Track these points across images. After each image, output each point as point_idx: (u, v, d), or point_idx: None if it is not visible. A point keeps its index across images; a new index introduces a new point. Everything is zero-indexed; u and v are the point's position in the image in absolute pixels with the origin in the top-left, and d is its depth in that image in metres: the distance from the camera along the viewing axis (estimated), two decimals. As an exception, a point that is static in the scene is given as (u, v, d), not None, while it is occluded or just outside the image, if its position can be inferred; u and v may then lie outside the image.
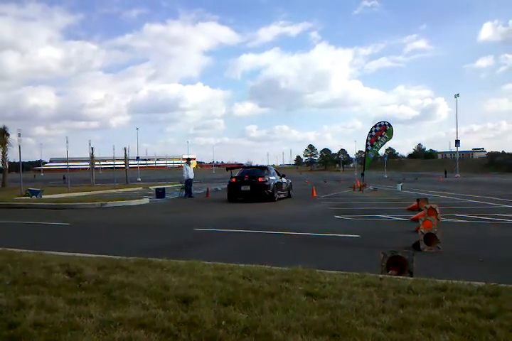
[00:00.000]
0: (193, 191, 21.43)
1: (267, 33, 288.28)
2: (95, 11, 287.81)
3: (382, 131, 23.22)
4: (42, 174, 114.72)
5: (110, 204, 16.29)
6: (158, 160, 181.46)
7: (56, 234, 9.65)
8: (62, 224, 10.94)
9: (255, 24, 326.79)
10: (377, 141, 23.42)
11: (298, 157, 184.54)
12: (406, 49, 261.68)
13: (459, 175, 63.05)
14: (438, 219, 8.94)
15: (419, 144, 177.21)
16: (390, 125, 23.33)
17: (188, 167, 21.32)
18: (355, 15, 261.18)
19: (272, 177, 17.98)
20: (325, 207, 15.08)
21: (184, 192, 20.87)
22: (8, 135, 34.40)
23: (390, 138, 23.50)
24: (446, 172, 69.77)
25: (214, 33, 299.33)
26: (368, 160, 25.02)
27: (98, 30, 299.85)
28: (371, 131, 23.35)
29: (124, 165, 44.94)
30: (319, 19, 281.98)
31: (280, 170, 21.23)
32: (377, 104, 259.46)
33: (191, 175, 20.98)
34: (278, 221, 11.33)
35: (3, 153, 34.81)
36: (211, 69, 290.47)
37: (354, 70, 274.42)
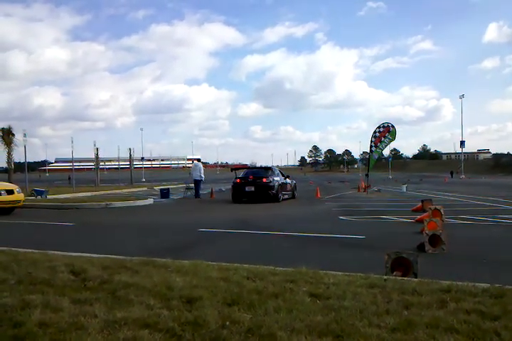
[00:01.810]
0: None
1: (273, 33, 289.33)
2: (102, 11, 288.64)
3: (385, 132, 23.23)
4: (47, 174, 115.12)
5: (115, 204, 16.34)
6: (162, 160, 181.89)
7: (61, 234, 9.69)
8: (67, 224, 10.98)
9: (261, 25, 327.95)
10: (381, 142, 23.42)
11: (302, 158, 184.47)
12: (411, 50, 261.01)
13: (464, 176, 62.76)
14: (443, 221, 8.90)
15: (424, 145, 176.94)
16: (393, 126, 23.36)
17: (201, 167, 21.17)
18: (361, 16, 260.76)
19: (276, 178, 17.98)
20: (329, 207, 15.06)
21: (194, 193, 20.72)
22: (13, 135, 34.50)
23: (394, 139, 23.53)
24: (452, 173, 68.84)
25: (219, 33, 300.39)
26: (372, 161, 24.99)
27: (104, 31, 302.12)
28: (375, 132, 23.37)
29: (128, 166, 45.11)
30: (325, 20, 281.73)
31: (284, 171, 21.22)
32: (382, 104, 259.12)
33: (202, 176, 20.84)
34: (282, 222, 11.33)
35: (9, 153, 34.92)
36: (216, 70, 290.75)
37: (359, 71, 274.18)
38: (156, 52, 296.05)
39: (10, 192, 13.51)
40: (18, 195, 13.80)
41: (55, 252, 6.08)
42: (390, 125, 23.44)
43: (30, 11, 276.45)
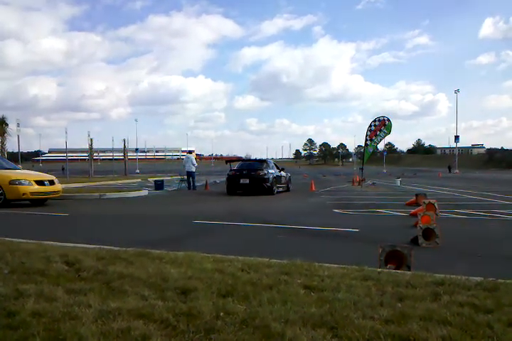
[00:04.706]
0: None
1: (271, 26, 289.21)
2: (99, 1, 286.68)
3: (381, 125, 23.22)
4: (41, 164, 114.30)
5: (109, 195, 16.28)
6: (157, 152, 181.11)
7: (55, 224, 9.65)
8: (61, 214, 10.94)
9: (259, 17, 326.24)
10: (376, 135, 23.42)
11: (297, 151, 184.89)
12: (408, 44, 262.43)
13: (458, 171, 62.97)
14: (436, 215, 8.96)
15: (419, 139, 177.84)
16: (389, 120, 23.36)
17: (193, 159, 21.22)
18: (359, 10, 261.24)
19: (270, 171, 17.97)
20: (324, 201, 15.09)
21: (192, 184, 20.68)
22: (7, 125, 34.26)
23: (389, 132, 23.55)
24: (450, 168, 67.41)
25: (217, 25, 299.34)
26: (367, 154, 25.01)
27: (102, 22, 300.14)
28: (370, 126, 23.36)
29: (123, 157, 44.90)
30: (323, 13, 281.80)
31: (279, 164, 21.22)
32: (377, 99, 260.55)
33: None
34: (277, 214, 11.34)
35: (2, 143, 34.66)
36: (213, 61, 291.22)
37: (356, 65, 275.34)
38: (153, 43, 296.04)
39: (51, 182, 13.54)
40: (58, 186, 13.84)
41: (49, 242, 6.06)
42: (385, 118, 23.42)
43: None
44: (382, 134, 23.59)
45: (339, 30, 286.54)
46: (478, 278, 4.02)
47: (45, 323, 2.81)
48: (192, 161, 20.72)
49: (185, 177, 21.11)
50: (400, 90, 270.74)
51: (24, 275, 4.00)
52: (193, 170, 20.57)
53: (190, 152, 22.91)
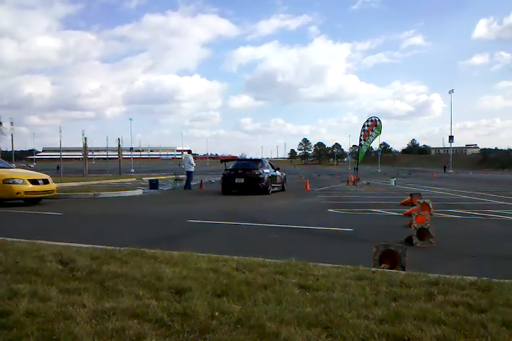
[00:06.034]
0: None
1: (267, 25, 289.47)
2: (95, 0, 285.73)
3: (373, 126, 23.37)
4: (35, 163, 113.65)
5: (103, 194, 16.22)
6: (152, 151, 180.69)
7: (49, 223, 9.60)
8: (55, 214, 10.88)
9: (255, 17, 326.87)
10: (369, 135, 23.56)
11: (292, 150, 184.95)
12: (403, 45, 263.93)
13: (452, 171, 63.23)
14: (431, 214, 8.99)
15: (413, 139, 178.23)
16: (379, 120, 23.54)
17: (191, 158, 21.25)
18: (354, 10, 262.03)
19: (266, 170, 17.97)
20: (318, 200, 15.11)
21: (187, 184, 20.66)
22: (0, 123, 34.12)
23: (380, 133, 23.73)
24: (445, 168, 67.66)
25: (213, 25, 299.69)
26: (361, 154, 25.10)
27: (97, 20, 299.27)
28: (364, 126, 23.48)
29: (117, 156, 44.74)
30: (319, 13, 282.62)
31: (274, 164, 21.21)
32: (372, 98, 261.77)
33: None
34: (272, 214, 11.34)
35: (-4, 141, 34.50)
36: (209, 61, 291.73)
37: (351, 65, 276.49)
38: (148, 42, 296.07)
39: (45, 181, 13.40)
40: (52, 185, 13.69)
41: (43, 242, 6.03)
42: (376, 119, 23.56)
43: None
44: (373, 134, 23.71)
45: (334, 30, 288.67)
46: (472, 278, 4.04)
47: (39, 323, 2.80)
48: (190, 161, 20.77)
49: (180, 176, 21.13)
50: (394, 90, 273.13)
51: (18, 275, 3.97)
52: (192, 169, 20.63)
53: (189, 151, 23.00)
